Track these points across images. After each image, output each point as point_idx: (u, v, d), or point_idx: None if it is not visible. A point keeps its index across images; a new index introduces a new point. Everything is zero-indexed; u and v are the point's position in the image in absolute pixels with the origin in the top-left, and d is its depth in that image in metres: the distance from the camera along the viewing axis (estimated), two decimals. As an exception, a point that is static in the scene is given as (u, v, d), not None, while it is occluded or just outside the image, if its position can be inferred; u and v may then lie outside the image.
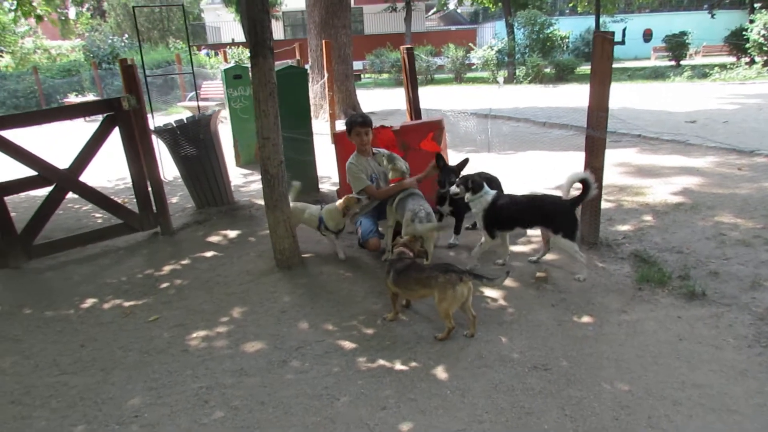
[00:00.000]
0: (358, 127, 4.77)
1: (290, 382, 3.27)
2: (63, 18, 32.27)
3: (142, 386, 3.35)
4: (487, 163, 8.10)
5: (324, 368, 3.38)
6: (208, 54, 26.00)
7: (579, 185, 4.33)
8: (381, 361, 3.41)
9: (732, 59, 21.99)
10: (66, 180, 5.45)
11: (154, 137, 5.99)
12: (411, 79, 7.21)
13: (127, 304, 4.49)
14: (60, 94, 22.22)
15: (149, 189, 5.84)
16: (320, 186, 7.30)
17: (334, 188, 7.02)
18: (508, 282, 4.35)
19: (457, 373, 3.22)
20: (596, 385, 3.07)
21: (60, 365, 3.66)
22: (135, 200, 5.89)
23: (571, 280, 4.31)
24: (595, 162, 4.65)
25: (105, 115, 5.62)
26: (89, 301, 4.60)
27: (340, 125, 12.34)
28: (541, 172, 7.52)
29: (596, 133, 4.58)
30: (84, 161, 5.54)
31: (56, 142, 12.79)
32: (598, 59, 4.47)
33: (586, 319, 3.76)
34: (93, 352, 3.79)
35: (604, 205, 5.17)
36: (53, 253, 5.58)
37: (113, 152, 5.71)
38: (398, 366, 3.34)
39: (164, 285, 4.80)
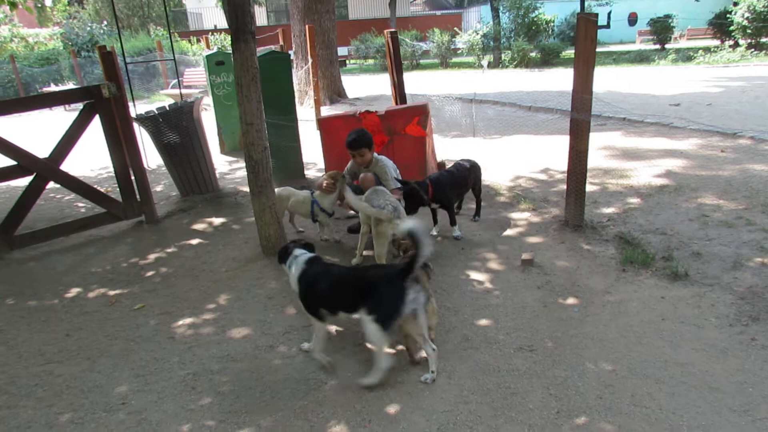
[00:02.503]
0: (350, 150, 4.72)
1: (277, 367, 3.27)
2: (39, 5, 31.54)
3: (129, 374, 3.34)
4: (473, 147, 8.12)
5: (311, 353, 3.38)
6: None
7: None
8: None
9: (716, 42, 22.11)
10: (46, 169, 5.37)
11: (135, 125, 5.91)
12: (396, 64, 7.16)
13: (112, 292, 4.46)
14: (39, 83, 21.84)
15: (132, 177, 5.77)
16: (306, 172, 7.25)
17: (320, 174, 6.99)
18: (495, 265, 4.38)
19: (444, 355, 3.24)
20: (580, 365, 3.11)
21: (45, 354, 3.63)
22: (118, 189, 5.82)
23: (557, 262, 4.34)
24: (579, 145, 4.67)
25: (84, 103, 5.54)
26: (73, 291, 4.56)
27: (326, 111, 12.30)
28: (526, 156, 7.54)
29: (581, 116, 4.59)
30: (64, 150, 5.46)
31: (37, 132, 12.64)
32: (582, 41, 4.47)
33: (571, 300, 3.80)
34: (78, 341, 3.76)
35: (589, 188, 5.22)
36: (36, 244, 5.52)
37: (96, 141, 5.63)
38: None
39: (149, 273, 4.76)
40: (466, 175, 5.02)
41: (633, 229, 4.80)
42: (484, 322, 3.60)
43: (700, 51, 20.02)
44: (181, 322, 3.89)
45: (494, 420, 2.71)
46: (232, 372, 3.26)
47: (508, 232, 5.00)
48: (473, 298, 3.91)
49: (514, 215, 5.37)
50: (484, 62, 14.33)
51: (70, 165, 5.57)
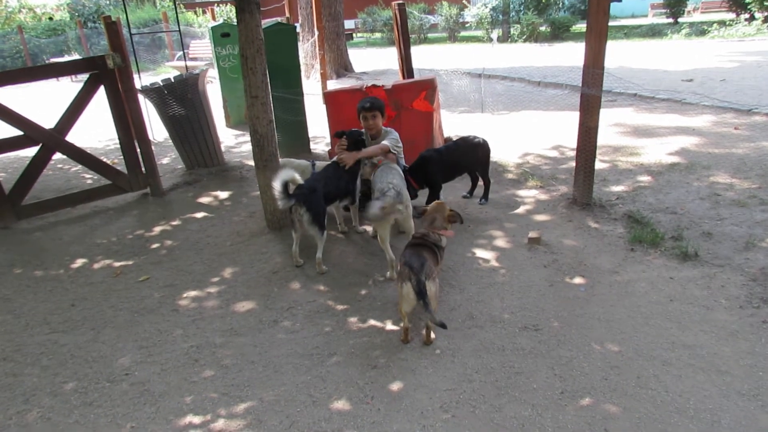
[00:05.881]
0: (364, 111, 4.62)
1: (281, 342, 3.26)
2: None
3: (133, 345, 3.34)
4: (481, 123, 8.02)
5: (315, 328, 3.37)
6: None
7: None
8: (372, 321, 3.40)
9: (731, 15, 21.60)
10: (52, 140, 5.33)
11: (141, 97, 5.85)
12: (403, 37, 7.03)
13: (117, 264, 4.46)
14: (46, 54, 21.73)
15: (137, 150, 5.73)
16: (312, 146, 7.19)
17: (326, 149, 6.93)
18: (501, 243, 4.33)
19: (448, 333, 3.22)
20: (586, 345, 3.08)
21: (50, 324, 3.64)
22: (123, 161, 5.79)
23: (564, 240, 4.29)
24: (589, 121, 4.58)
25: (89, 73, 5.47)
26: (79, 261, 4.56)
27: (332, 85, 12.15)
28: (535, 132, 7.43)
29: (591, 91, 4.49)
30: (70, 121, 5.42)
31: (44, 102, 12.59)
32: (594, 13, 4.35)
33: (577, 279, 3.75)
34: (83, 312, 3.77)
35: (598, 165, 5.13)
36: (42, 214, 5.51)
37: (104, 112, 5.58)
38: (389, 326, 3.34)
39: (154, 246, 4.75)
40: (463, 154, 4.92)
41: (642, 207, 4.73)
42: (489, 300, 3.56)
43: (715, 25, 19.54)
44: (185, 295, 3.88)
45: (498, 399, 2.69)
46: (235, 345, 3.25)
47: (516, 210, 4.94)
48: (479, 276, 3.87)
49: (522, 193, 5.30)
50: (494, 35, 14.02)
51: (79, 135, 5.54)
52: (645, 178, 5.36)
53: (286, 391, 2.83)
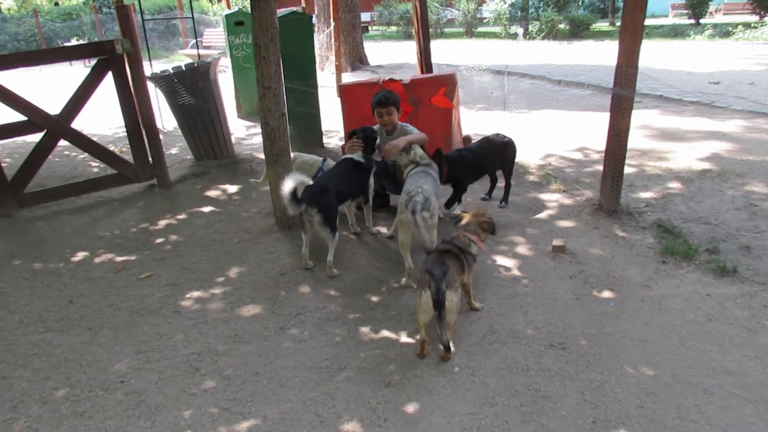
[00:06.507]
0: (378, 107, 4.39)
1: (288, 352, 3.04)
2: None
3: (130, 349, 3.14)
4: (500, 121, 7.76)
5: (324, 337, 3.15)
6: None
7: None
8: (385, 332, 3.17)
9: (755, 18, 21.07)
10: (57, 126, 5.14)
11: (150, 84, 5.64)
12: (422, 30, 6.77)
13: (119, 259, 4.26)
14: (61, 38, 21.64)
15: (145, 139, 5.52)
16: (325, 141, 6.95)
17: (340, 143, 6.69)
18: (524, 250, 4.09)
19: (467, 349, 2.99)
20: (618, 367, 2.83)
21: (46, 322, 3.45)
22: (130, 150, 5.59)
23: (590, 249, 4.04)
24: (621, 123, 4.31)
25: (98, 58, 5.26)
26: (80, 255, 4.37)
27: (346, 77, 11.91)
28: (557, 132, 7.15)
29: (624, 92, 4.22)
30: (76, 107, 5.23)
31: (55, 87, 12.44)
32: (630, 10, 4.08)
33: (606, 293, 3.50)
34: (81, 309, 3.57)
35: (625, 170, 4.85)
36: (45, 203, 5.33)
37: (116, 98, 5.37)
38: (403, 338, 3.11)
39: (159, 240, 4.55)
40: (489, 154, 4.67)
41: (673, 216, 4.46)
42: (511, 313, 3.32)
43: (740, 26, 19.06)
44: (188, 296, 3.67)
45: (523, 427, 2.46)
46: (238, 354, 3.04)
47: (538, 214, 4.69)
48: (500, 286, 3.63)
49: (544, 196, 5.04)
50: (520, 31, 13.63)
51: (89, 121, 5.33)
52: (675, 185, 5.09)
53: (292, 409, 2.61)
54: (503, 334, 3.13)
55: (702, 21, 22.93)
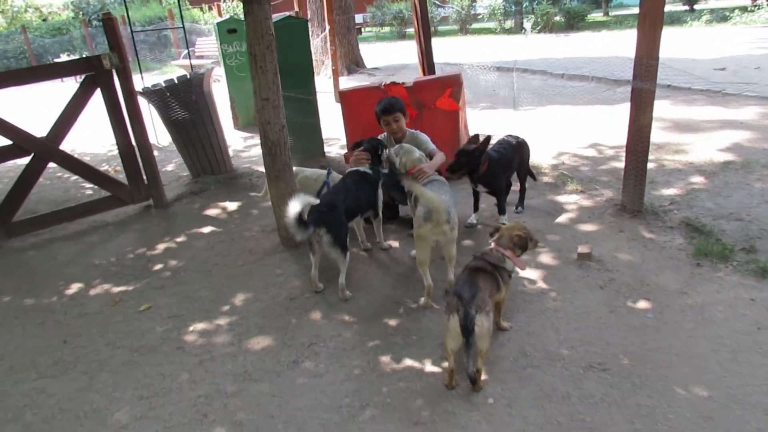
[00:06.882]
0: (384, 116, 4.15)
1: (303, 389, 2.78)
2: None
3: (131, 394, 2.88)
4: (506, 120, 7.50)
5: (342, 370, 2.89)
6: None
7: None
8: (408, 361, 2.91)
9: (747, 1, 20.82)
10: (44, 149, 4.89)
11: (143, 100, 5.39)
12: (423, 29, 6.51)
13: (116, 289, 4.01)
14: (51, 54, 21.38)
15: (138, 157, 5.26)
16: (325, 149, 6.69)
17: (342, 152, 6.44)
18: (547, 259, 3.82)
19: (500, 376, 2.73)
20: (668, 389, 2.57)
21: (38, 367, 3.19)
22: (124, 170, 5.33)
23: (618, 255, 3.77)
24: (642, 118, 4.05)
25: (85, 75, 5.01)
26: (74, 287, 4.12)
27: (343, 82, 11.64)
28: (565, 128, 6.88)
29: (645, 85, 3.95)
30: (64, 128, 4.97)
31: (46, 106, 12.17)
32: (650, -2, 3.83)
33: (642, 304, 3.24)
34: (76, 350, 3.31)
35: (646, 166, 4.60)
36: (36, 230, 5.08)
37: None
38: (429, 367, 2.85)
39: (157, 267, 4.29)
40: (513, 157, 4.41)
41: (701, 213, 4.20)
42: (542, 332, 3.06)
43: (737, 11, 18.82)
44: (191, 328, 3.41)
45: (573, 468, 2.20)
46: (249, 395, 2.78)
47: (557, 218, 4.43)
48: (526, 300, 3.37)
49: (562, 198, 4.78)
50: (528, 25, 13.21)
51: (81, 140, 5.06)
52: (698, 179, 4.83)
53: (313, 458, 2.36)
54: (537, 356, 2.87)
55: (696, 7, 22.71)
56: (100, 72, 4.93)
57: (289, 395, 2.74)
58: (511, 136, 4.54)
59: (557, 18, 21.52)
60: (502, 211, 4.32)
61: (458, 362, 2.66)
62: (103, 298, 3.91)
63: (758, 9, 18.70)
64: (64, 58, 18.72)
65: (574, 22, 21.33)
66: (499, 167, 4.20)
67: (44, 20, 26.17)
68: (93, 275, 4.25)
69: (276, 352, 3.09)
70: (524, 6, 22.68)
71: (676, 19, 20.00)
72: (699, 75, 8.93)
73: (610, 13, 23.93)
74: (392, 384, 2.75)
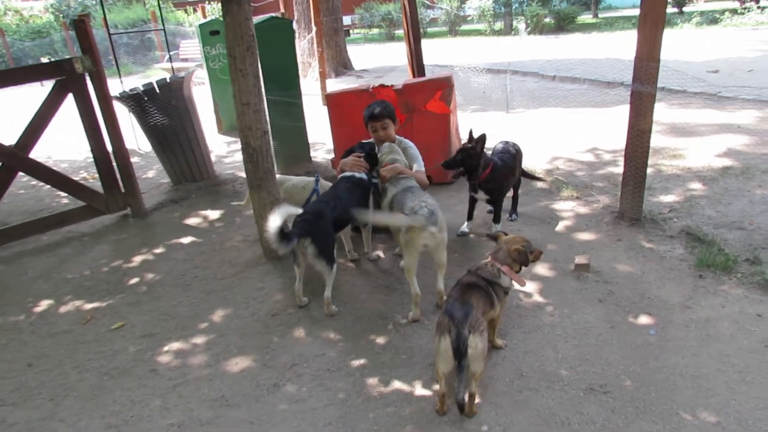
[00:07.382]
0: (372, 121, 3.95)
1: (285, 416, 2.58)
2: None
3: (99, 423, 2.66)
4: (497, 123, 7.33)
5: (325, 394, 2.69)
6: None
7: None
8: (397, 384, 2.72)
9: (736, 4, 20.86)
10: (13, 158, 4.65)
11: (119, 104, 5.16)
12: (413, 31, 6.34)
13: (88, 306, 3.78)
14: (31, 58, 20.98)
15: (114, 165, 5.04)
16: (312, 154, 6.48)
17: (329, 156, 6.24)
18: (543, 270, 3.65)
19: (495, 400, 2.54)
20: (673, 414, 2.40)
21: (0, 393, 2.96)
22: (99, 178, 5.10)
23: (617, 266, 3.60)
24: (642, 123, 3.90)
25: (56, 79, 4.77)
26: (44, 303, 3.88)
27: (331, 84, 11.45)
28: (559, 132, 6.72)
29: (645, 88, 3.81)
30: (33, 135, 4.73)
31: (22, 111, 11.87)
32: (652, -4, 3.68)
33: (643, 319, 3.07)
34: (41, 374, 3.09)
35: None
36: (6, 243, 4.82)
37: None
38: (419, 390, 2.66)
39: (133, 281, 4.07)
40: (514, 164, 4.24)
41: (701, 222, 4.05)
42: (539, 350, 2.88)
43: (727, 13, 18.84)
44: (166, 348, 3.20)
45: (577, 508, 2.02)
46: (226, 422, 2.57)
47: (553, 227, 4.26)
48: (521, 315, 3.19)
49: (557, 205, 4.61)
50: (522, 26, 13.04)
51: (57, 147, 4.82)
52: (697, 186, 4.68)
53: (293, 498, 2.16)
54: (534, 377, 2.69)
55: (685, 9, 22.74)
56: (73, 76, 4.69)
57: (269, 424, 2.54)
58: (507, 143, 4.36)
59: (547, 20, 21.48)
60: (497, 219, 4.14)
61: (450, 386, 2.48)
62: (73, 315, 3.68)
63: (748, 11, 18.73)
64: (44, 61, 18.40)
65: (564, 24, 21.28)
66: (502, 175, 4.03)
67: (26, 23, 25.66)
68: (64, 291, 4.02)
69: (255, 374, 2.89)
70: (514, 8, 22.60)
71: (667, 21, 19.90)
72: (692, 78, 8.81)
73: (599, 15, 23.93)
74: (379, 409, 2.56)
